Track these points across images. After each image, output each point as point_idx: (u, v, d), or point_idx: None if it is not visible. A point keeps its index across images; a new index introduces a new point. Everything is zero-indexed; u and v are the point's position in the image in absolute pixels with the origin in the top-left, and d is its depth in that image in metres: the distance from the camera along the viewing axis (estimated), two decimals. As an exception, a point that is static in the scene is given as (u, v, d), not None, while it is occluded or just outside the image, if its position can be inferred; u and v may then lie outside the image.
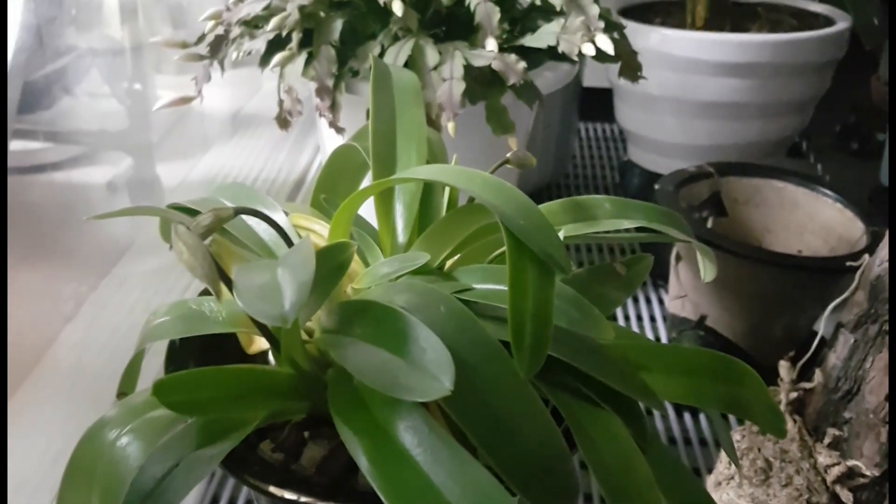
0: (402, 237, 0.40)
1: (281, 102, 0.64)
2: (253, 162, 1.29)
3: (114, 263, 0.95)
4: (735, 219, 0.94)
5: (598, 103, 1.30)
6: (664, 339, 0.92)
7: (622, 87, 1.10)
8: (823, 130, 1.36)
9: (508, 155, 0.41)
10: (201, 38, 0.69)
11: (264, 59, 0.65)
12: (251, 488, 0.34)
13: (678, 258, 0.87)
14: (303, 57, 0.62)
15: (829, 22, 1.05)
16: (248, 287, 0.28)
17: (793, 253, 0.89)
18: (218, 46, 0.68)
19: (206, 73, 0.68)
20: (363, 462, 0.29)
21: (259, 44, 0.65)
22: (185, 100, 0.68)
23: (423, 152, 0.41)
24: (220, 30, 0.67)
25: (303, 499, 0.32)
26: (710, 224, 0.91)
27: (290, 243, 0.37)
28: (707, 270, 0.47)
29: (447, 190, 0.43)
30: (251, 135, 1.38)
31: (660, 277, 1.01)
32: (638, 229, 0.44)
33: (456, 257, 0.41)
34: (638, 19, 1.04)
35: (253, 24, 0.67)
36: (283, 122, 0.65)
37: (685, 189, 0.90)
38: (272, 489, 0.33)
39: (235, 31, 0.67)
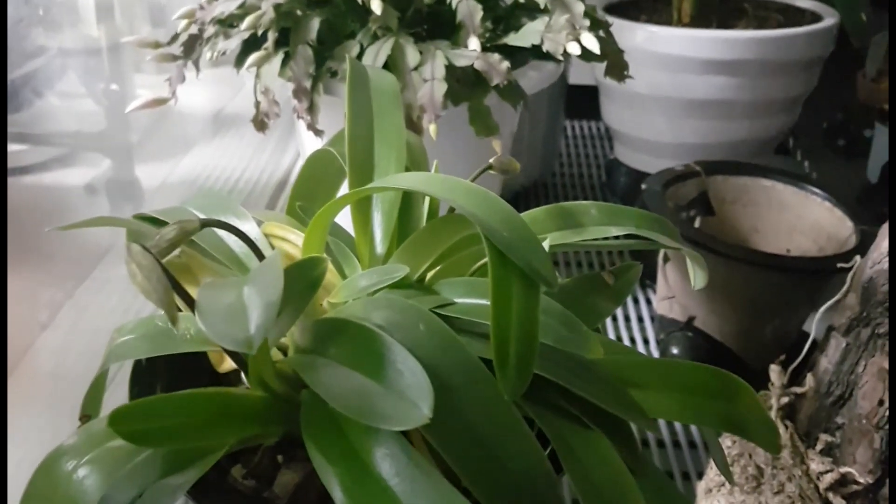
0: (380, 248, 0.39)
1: (258, 104, 0.62)
2: (235, 163, 1.26)
3: (93, 267, 0.94)
4: (723, 218, 0.93)
5: (584, 101, 1.29)
6: (652, 341, 0.91)
7: (608, 85, 1.08)
8: (810, 128, 1.35)
9: (491, 160, 0.40)
10: (175, 37, 0.67)
11: (240, 60, 0.63)
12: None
13: (666, 259, 0.85)
14: (279, 57, 0.60)
15: (815, 18, 1.04)
16: (212, 309, 0.27)
17: (781, 253, 0.88)
18: (192, 46, 0.66)
19: (181, 74, 0.66)
20: (337, 493, 0.28)
21: (234, 43, 0.63)
22: (160, 101, 0.66)
23: (403, 158, 0.39)
24: (193, 29, 0.65)
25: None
26: (697, 224, 0.90)
27: (261, 256, 0.35)
28: (697, 277, 0.46)
29: (427, 198, 0.41)
30: (233, 135, 1.36)
31: (647, 277, 0.99)
32: (626, 236, 0.43)
33: (437, 269, 0.39)
34: (624, 16, 1.03)
35: (227, 23, 0.65)
36: (259, 124, 0.63)
37: (672, 188, 0.88)
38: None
39: (209, 30, 0.65)
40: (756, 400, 0.38)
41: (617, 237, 0.42)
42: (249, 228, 0.38)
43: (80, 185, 1.00)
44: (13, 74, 0.74)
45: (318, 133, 0.60)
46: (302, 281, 0.31)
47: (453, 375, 0.29)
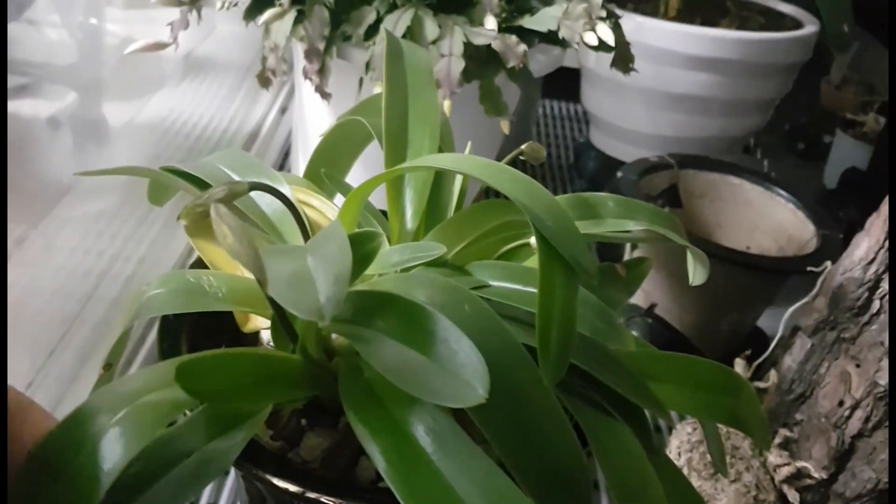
0: (410, 224, 0.39)
1: (264, 59, 0.61)
2: (203, 109, 1.24)
3: (55, 204, 0.92)
4: (689, 211, 0.95)
5: (559, 82, 1.30)
6: (612, 325, 0.93)
7: (591, 70, 1.10)
8: (772, 129, 1.38)
9: (523, 146, 0.40)
10: (182, -18, 0.65)
11: (250, 13, 0.62)
12: (252, 478, 0.32)
13: (634, 245, 0.87)
14: (292, 15, 0.59)
15: (796, 24, 1.07)
16: (278, 276, 0.27)
17: (742, 249, 0.91)
18: (199, -7, 0.64)
19: (185, 20, 0.64)
20: (381, 463, 0.28)
21: (245, -5, 0.62)
22: (160, 45, 0.64)
23: (436, 136, 0.40)
24: (202, -25, 0.64)
25: (309, 494, 0.31)
26: (666, 215, 0.92)
27: (300, 221, 0.35)
28: (697, 273, 0.47)
29: (458, 177, 0.42)
30: (202, 79, 1.33)
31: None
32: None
33: (461, 250, 0.40)
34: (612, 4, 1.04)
35: (238, -26, 0.64)
36: (264, 80, 0.62)
37: (646, 178, 0.90)
38: (276, 481, 0.32)
39: (219, -22, 0.64)
40: (755, 397, 0.40)
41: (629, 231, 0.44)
42: (286, 191, 0.38)
43: (43, 117, 0.97)
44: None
45: (325, 96, 0.60)
46: (357, 254, 0.31)
47: (497, 358, 0.30)
